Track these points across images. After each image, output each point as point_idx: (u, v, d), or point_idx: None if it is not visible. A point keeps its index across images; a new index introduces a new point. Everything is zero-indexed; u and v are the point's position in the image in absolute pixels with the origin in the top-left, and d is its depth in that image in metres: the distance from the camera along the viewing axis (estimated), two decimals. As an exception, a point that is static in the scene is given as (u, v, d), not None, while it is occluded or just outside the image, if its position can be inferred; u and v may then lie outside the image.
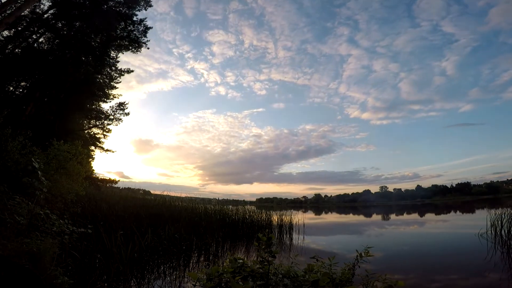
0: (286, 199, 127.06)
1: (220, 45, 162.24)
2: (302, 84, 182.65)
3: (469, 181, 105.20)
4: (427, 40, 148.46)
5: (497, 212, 9.76)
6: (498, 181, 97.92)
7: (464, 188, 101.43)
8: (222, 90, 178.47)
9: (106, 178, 21.22)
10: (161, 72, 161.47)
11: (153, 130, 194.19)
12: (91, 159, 20.19)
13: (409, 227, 15.78)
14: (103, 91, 18.94)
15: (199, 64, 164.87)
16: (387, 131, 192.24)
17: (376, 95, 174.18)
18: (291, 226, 12.63)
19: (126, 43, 17.72)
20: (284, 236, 11.66)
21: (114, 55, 18.15)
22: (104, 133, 22.19)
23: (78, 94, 16.49)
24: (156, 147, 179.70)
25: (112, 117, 19.88)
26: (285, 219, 12.83)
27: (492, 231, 9.56)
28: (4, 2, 11.56)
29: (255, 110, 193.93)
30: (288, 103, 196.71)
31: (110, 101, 20.09)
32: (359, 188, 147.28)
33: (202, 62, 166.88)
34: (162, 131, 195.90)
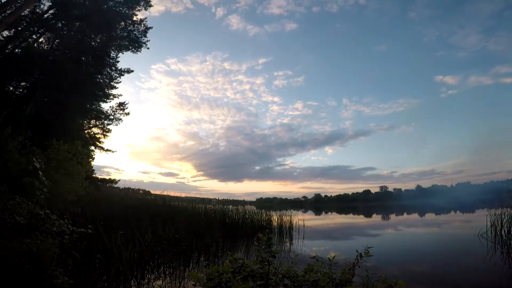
0: (286, 199, 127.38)
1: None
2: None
3: (468, 181, 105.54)
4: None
5: (497, 212, 9.76)
6: (498, 181, 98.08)
7: (463, 188, 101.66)
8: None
9: (106, 178, 21.29)
10: None
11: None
12: (91, 159, 20.21)
13: (408, 228, 15.76)
14: (103, 91, 18.98)
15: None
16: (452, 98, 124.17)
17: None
18: (291, 226, 12.61)
19: (126, 43, 17.74)
20: (284, 236, 11.65)
21: (114, 55, 18.18)
22: (104, 133, 22.29)
23: (78, 94, 16.48)
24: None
25: (112, 117, 20.04)
26: (285, 219, 12.81)
27: (492, 231, 9.56)
28: (4, 2, 11.57)
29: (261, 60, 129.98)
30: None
31: (110, 101, 20.21)
32: (367, 186, 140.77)
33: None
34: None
